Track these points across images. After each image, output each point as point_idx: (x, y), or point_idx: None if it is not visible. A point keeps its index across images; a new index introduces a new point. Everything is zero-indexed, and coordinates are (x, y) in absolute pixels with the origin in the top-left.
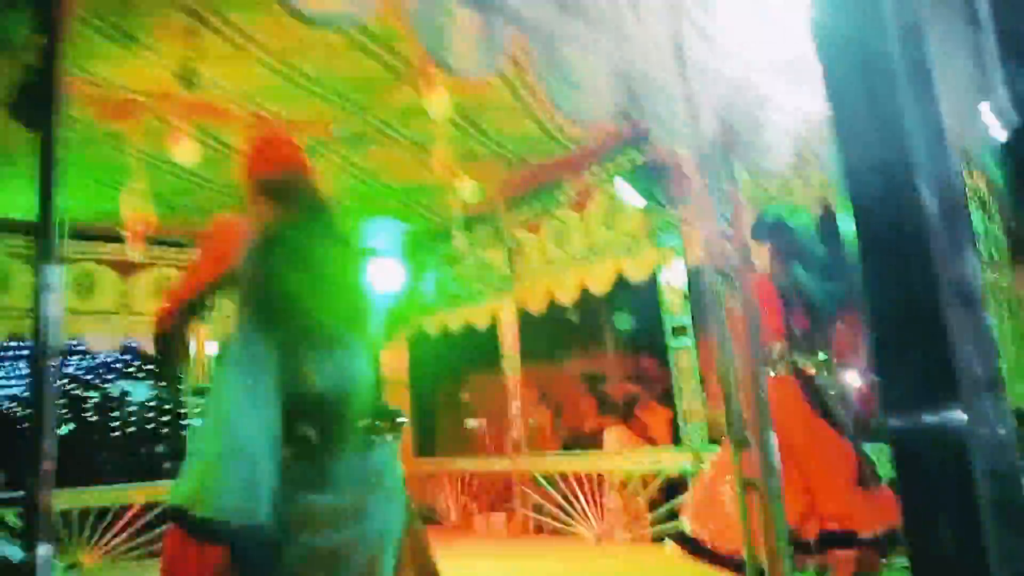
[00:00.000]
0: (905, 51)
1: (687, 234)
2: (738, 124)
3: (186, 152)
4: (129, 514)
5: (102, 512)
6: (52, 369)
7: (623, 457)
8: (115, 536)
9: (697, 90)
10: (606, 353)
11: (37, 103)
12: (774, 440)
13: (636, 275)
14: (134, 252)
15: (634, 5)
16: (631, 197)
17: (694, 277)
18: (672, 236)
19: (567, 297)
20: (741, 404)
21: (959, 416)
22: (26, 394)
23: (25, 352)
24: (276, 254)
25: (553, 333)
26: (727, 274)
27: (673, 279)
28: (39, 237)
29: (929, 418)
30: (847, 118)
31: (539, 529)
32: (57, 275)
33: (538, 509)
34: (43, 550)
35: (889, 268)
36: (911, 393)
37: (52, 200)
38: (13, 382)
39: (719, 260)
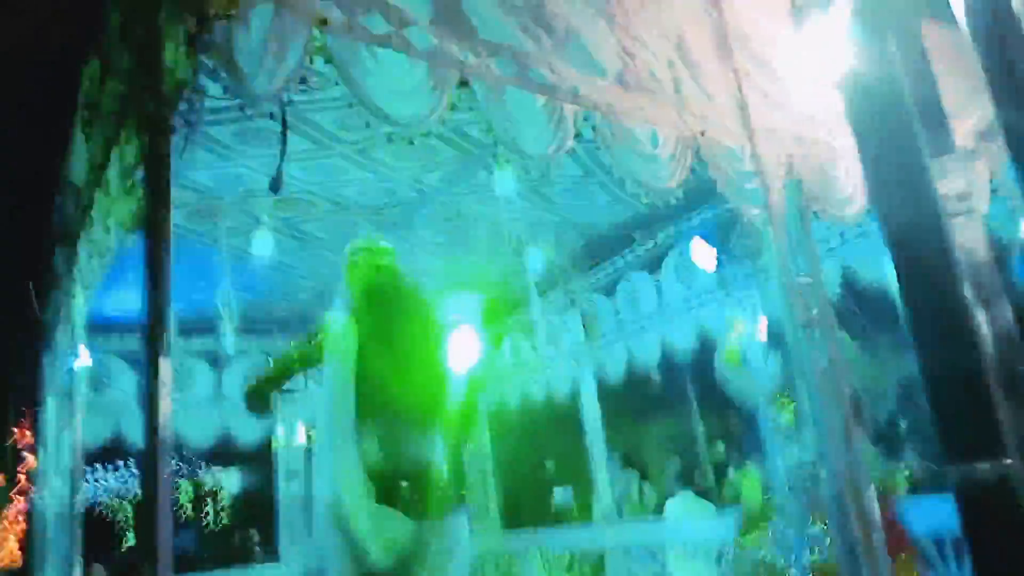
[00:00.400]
0: (917, 92)
1: (764, 285)
2: (809, 179)
3: (263, 246)
4: None
5: None
6: (165, 463)
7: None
8: None
9: (764, 149)
10: (691, 414)
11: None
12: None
13: (716, 330)
14: (227, 345)
15: (695, 75)
16: (705, 255)
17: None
18: (748, 289)
19: (648, 359)
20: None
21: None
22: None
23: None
24: (372, 349)
25: (636, 397)
26: (809, 327)
27: (753, 332)
28: (150, 333)
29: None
30: (875, 168)
31: None
32: (168, 370)
33: None
34: None
35: (936, 332)
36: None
37: (162, 297)
38: (111, 479)
39: (800, 313)
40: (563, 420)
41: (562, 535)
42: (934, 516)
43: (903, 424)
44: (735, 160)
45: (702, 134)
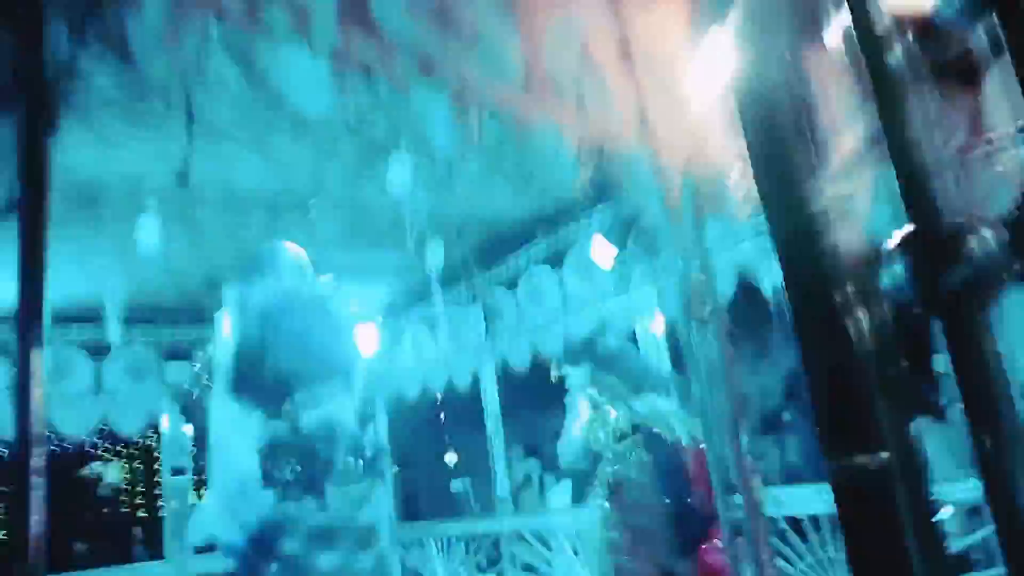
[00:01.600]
0: (802, 99)
1: (662, 286)
2: (706, 182)
3: (151, 236)
4: None
5: None
6: (37, 458)
7: None
8: None
9: (665, 154)
10: None
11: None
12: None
13: (616, 325)
14: (110, 334)
15: (598, 83)
16: (604, 252)
17: (671, 327)
18: (648, 288)
19: (550, 352)
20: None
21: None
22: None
23: None
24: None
25: (536, 389)
26: (702, 321)
27: (650, 330)
28: (23, 323)
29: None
30: (763, 172)
31: None
32: (40, 363)
33: (529, 569)
34: None
35: (815, 330)
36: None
37: (37, 286)
38: None
39: (695, 309)
40: (464, 412)
41: (458, 525)
42: (811, 503)
43: (787, 417)
44: (636, 163)
45: (603, 141)
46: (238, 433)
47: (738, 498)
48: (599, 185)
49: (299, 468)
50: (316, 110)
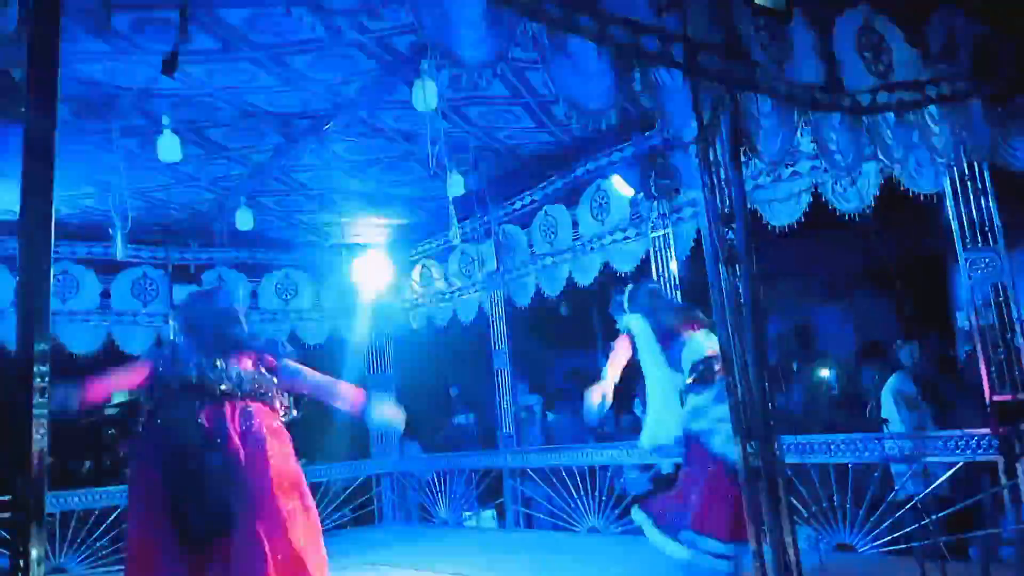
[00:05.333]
0: None
1: (678, 224)
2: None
3: (170, 150)
4: (111, 518)
5: (83, 515)
6: (43, 371)
7: (613, 451)
8: (97, 540)
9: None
10: (596, 346)
11: (23, 96)
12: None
13: (624, 267)
14: (117, 251)
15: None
16: (624, 189)
17: (686, 268)
18: (663, 227)
19: (558, 291)
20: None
21: None
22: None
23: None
24: None
25: (544, 326)
26: (732, 260)
27: (664, 270)
28: (27, 235)
29: None
30: None
31: (530, 523)
32: (47, 274)
33: (528, 503)
34: (35, 554)
35: None
36: None
37: (44, 197)
38: None
39: (722, 247)
40: (470, 347)
41: (462, 458)
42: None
43: (795, 367)
44: (673, 90)
45: (641, 57)
46: None
47: (755, 444)
48: (623, 119)
49: None
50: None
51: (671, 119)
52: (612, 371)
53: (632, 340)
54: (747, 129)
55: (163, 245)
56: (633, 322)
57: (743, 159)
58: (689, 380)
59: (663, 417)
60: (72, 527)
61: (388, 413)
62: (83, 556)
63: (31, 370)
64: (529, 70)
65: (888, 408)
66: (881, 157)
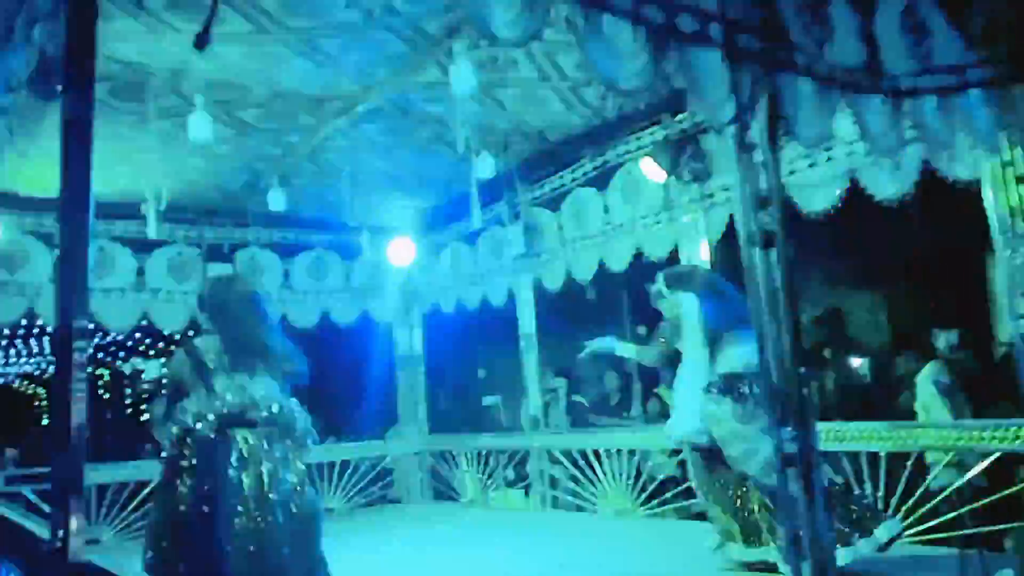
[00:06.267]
0: None
1: (710, 210)
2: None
3: (201, 129)
4: (145, 491)
5: (118, 489)
6: (83, 345)
7: (640, 433)
8: (131, 513)
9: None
10: (625, 330)
11: (61, 77)
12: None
13: (656, 252)
14: (150, 230)
15: None
16: (655, 173)
17: (718, 253)
18: (694, 212)
19: (587, 275)
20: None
21: None
22: (37, 372)
23: (37, 331)
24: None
25: (571, 310)
26: (768, 242)
27: (695, 255)
28: (67, 213)
29: None
30: None
31: (556, 503)
32: (85, 251)
33: (555, 484)
34: (75, 525)
35: None
36: None
37: (81, 176)
38: (24, 360)
39: (757, 231)
40: (498, 330)
41: (488, 439)
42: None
43: (828, 354)
44: (711, 69)
45: (677, 37)
46: None
47: (789, 431)
48: (655, 102)
49: None
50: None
51: (706, 100)
52: (640, 349)
53: (675, 325)
54: (785, 112)
55: (197, 225)
56: (685, 303)
57: (780, 143)
58: (713, 386)
59: (690, 408)
60: (108, 499)
61: None
62: (118, 527)
63: (70, 346)
64: (560, 53)
65: (923, 397)
66: (921, 142)
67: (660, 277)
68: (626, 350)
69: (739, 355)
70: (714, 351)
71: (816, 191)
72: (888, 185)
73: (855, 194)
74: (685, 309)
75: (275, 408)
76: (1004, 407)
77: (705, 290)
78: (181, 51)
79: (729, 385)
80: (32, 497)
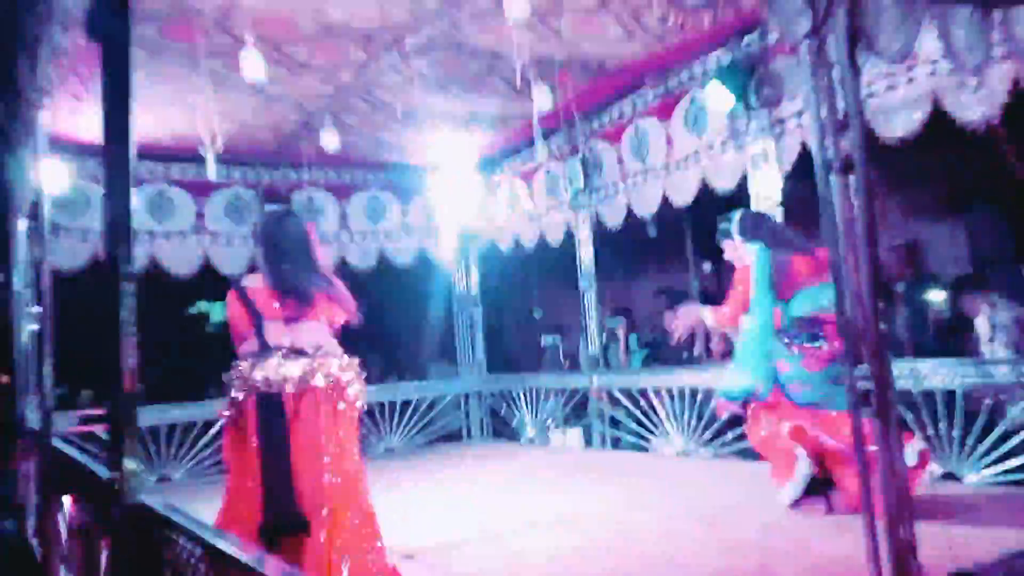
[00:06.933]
0: None
1: (781, 137)
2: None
3: (254, 68)
4: (212, 430)
5: (187, 428)
6: (130, 288)
7: (698, 372)
8: (201, 451)
9: None
10: (687, 268)
11: (104, 16)
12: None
13: (723, 184)
14: (209, 172)
15: None
16: (722, 99)
17: (789, 184)
18: (764, 140)
19: (648, 210)
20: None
21: None
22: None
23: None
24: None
25: (631, 247)
26: (846, 168)
27: (765, 186)
28: (108, 156)
29: None
30: None
31: (616, 444)
32: (128, 194)
33: (615, 424)
34: (129, 465)
35: None
36: None
37: (124, 118)
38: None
39: (835, 157)
40: (556, 269)
41: (548, 378)
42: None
43: (901, 288)
44: None
45: None
46: None
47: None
48: (720, 22)
49: None
50: None
51: (779, 15)
52: (725, 309)
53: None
54: (865, 25)
55: (253, 166)
56: (752, 254)
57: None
58: (785, 334)
59: (747, 363)
60: (176, 439)
61: None
62: (188, 466)
63: (120, 289)
64: None
65: (998, 334)
66: (1011, 59)
67: (736, 217)
68: (708, 317)
69: (813, 296)
70: (784, 303)
71: (896, 115)
72: (973, 107)
73: (937, 117)
74: (752, 260)
75: (320, 355)
76: None
77: (771, 240)
78: None
79: (798, 332)
80: (105, 436)
